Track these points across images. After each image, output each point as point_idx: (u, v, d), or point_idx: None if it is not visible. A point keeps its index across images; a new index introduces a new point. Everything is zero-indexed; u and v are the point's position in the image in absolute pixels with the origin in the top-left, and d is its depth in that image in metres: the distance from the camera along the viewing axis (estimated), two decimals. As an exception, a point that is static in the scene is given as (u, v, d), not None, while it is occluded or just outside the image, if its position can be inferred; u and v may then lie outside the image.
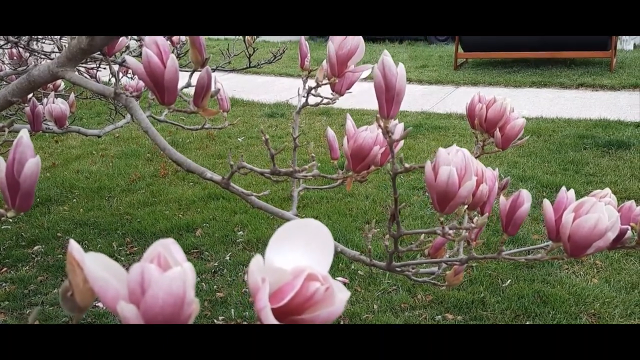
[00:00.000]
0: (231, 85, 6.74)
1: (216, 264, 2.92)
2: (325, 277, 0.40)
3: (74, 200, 3.89)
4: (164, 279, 0.36)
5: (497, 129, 1.15)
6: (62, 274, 2.91)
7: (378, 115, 0.65)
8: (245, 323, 2.43)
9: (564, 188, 0.76)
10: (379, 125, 0.67)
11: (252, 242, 3.14)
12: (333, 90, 1.09)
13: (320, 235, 0.44)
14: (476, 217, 0.87)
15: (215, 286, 2.72)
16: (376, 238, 2.41)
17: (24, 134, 0.50)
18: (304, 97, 1.11)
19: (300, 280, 0.39)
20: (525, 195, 0.80)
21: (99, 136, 2.28)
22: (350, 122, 0.91)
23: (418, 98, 6.23)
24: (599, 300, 2.46)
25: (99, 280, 0.36)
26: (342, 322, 2.38)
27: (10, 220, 3.55)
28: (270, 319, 0.37)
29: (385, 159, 0.91)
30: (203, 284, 2.74)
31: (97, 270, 0.36)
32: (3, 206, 0.54)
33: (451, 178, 0.61)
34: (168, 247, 0.38)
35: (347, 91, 1.11)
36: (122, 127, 2.43)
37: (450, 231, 0.72)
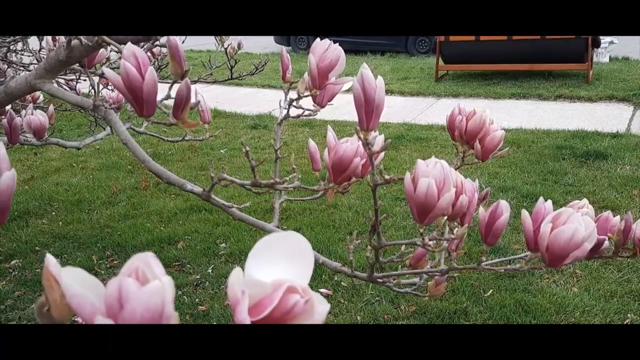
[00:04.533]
0: (214, 96, 6.73)
1: (198, 276, 2.90)
2: (305, 290, 0.40)
3: (53, 213, 3.83)
4: (141, 293, 0.35)
5: (477, 141, 1.17)
6: (40, 289, 2.85)
7: (358, 128, 0.66)
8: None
9: (541, 199, 0.77)
10: (359, 138, 0.67)
11: (235, 254, 3.12)
12: (315, 102, 1.09)
13: (300, 247, 0.44)
14: (457, 228, 0.88)
15: (197, 299, 2.69)
16: (359, 249, 2.41)
17: (0, 146, 0.49)
18: (285, 109, 1.11)
19: (280, 293, 0.39)
20: (504, 206, 0.81)
21: (79, 148, 2.25)
22: (331, 134, 0.91)
23: (400, 110, 6.28)
24: (579, 309, 2.49)
25: (76, 296, 0.36)
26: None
27: (-13, 234, 3.48)
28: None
29: (366, 170, 0.91)
30: (185, 297, 2.72)
31: (73, 285, 0.36)
32: (-22, 220, 0.52)
33: (430, 190, 0.62)
34: (147, 261, 0.38)
35: (329, 103, 1.12)
36: (102, 139, 2.41)
37: (430, 242, 0.73)
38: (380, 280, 0.94)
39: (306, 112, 1.10)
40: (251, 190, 0.91)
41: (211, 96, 6.56)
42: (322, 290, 2.63)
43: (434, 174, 0.63)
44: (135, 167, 4.69)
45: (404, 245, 0.88)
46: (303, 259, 0.44)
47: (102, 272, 2.99)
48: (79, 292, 0.36)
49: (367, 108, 0.64)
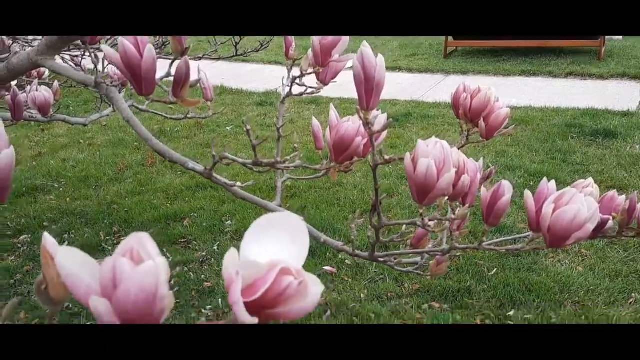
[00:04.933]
0: (219, 73, 6.68)
1: (204, 253, 2.92)
2: (299, 271, 0.40)
3: (61, 189, 3.86)
4: (136, 274, 0.35)
5: (482, 119, 1.16)
6: (48, 264, 2.89)
7: (358, 107, 0.65)
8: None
9: (545, 179, 0.76)
10: (360, 117, 0.66)
11: (241, 231, 3.14)
12: (318, 80, 1.08)
13: (296, 228, 0.44)
14: (459, 208, 0.88)
15: (203, 276, 2.72)
16: (363, 228, 2.41)
17: (-2, 125, 0.49)
18: (288, 86, 1.11)
19: (274, 275, 0.39)
20: (506, 187, 0.80)
21: (85, 125, 2.25)
22: (333, 113, 0.90)
23: (408, 87, 6.22)
24: (584, 288, 2.49)
25: (71, 275, 0.36)
26: (329, 311, 2.39)
27: (-4, 209, 3.52)
28: (242, 313, 0.37)
29: (368, 150, 0.91)
30: (191, 273, 2.74)
31: (68, 265, 0.36)
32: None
33: (429, 170, 0.61)
34: (141, 241, 0.38)
35: (332, 81, 1.11)
36: (108, 115, 2.41)
37: (430, 222, 0.72)
38: (382, 260, 0.94)
39: (309, 90, 1.09)
40: (252, 169, 0.91)
41: (217, 73, 6.51)
42: (327, 267, 2.65)
43: (433, 154, 0.62)
44: (141, 144, 4.69)
45: (405, 225, 0.88)
46: (298, 239, 0.44)
47: (110, 248, 3.02)
48: (74, 271, 0.36)
49: (367, 86, 0.63)
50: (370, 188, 3.57)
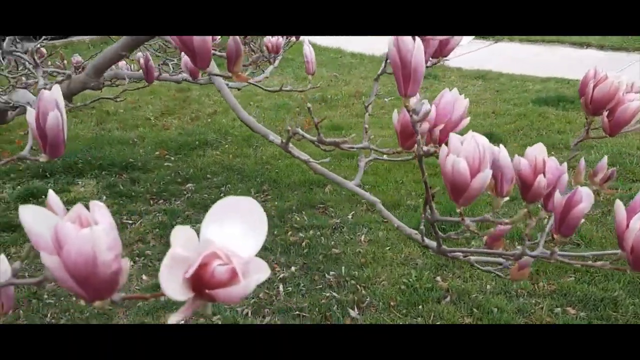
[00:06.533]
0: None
1: (338, 220, 3.01)
2: (230, 257, 0.40)
3: (227, 145, 4.25)
4: (74, 239, 0.39)
5: (606, 111, 1.01)
6: (204, 211, 3.23)
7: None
8: (352, 282, 2.49)
9: None
10: (404, 105, 0.62)
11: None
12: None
13: (255, 215, 0.44)
14: (541, 212, 0.80)
15: (332, 242, 2.81)
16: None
17: (47, 91, 0.57)
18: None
19: (200, 258, 0.40)
20: (584, 194, 0.69)
21: (239, 89, 2.44)
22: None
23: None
24: None
25: (33, 233, 0.41)
26: (449, 297, 2.32)
27: (172, 159, 4.01)
28: (167, 286, 0.39)
29: (445, 136, 0.85)
30: (322, 238, 2.85)
31: (32, 223, 0.41)
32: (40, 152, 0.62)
33: (455, 168, 0.56)
34: (93, 208, 0.41)
35: (444, 58, 1.05)
36: (260, 81, 2.57)
37: (471, 224, 0.66)
38: (450, 254, 0.89)
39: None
40: (319, 147, 0.91)
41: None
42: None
43: (466, 151, 0.56)
44: (302, 110, 4.93)
45: (469, 221, 0.81)
46: (257, 226, 0.44)
47: (256, 204, 3.27)
48: (36, 229, 0.41)
49: (404, 72, 0.59)
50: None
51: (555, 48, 6.48)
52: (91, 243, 0.39)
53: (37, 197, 3.43)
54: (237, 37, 0.68)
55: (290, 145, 1.00)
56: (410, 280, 2.46)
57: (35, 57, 1.07)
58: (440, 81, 5.69)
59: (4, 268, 0.54)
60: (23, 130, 4.48)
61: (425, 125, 0.81)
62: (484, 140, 0.57)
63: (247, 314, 2.32)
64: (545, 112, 4.45)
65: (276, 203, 3.26)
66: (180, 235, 0.42)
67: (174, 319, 0.41)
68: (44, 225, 0.41)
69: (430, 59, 1.10)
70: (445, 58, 1.10)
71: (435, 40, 0.98)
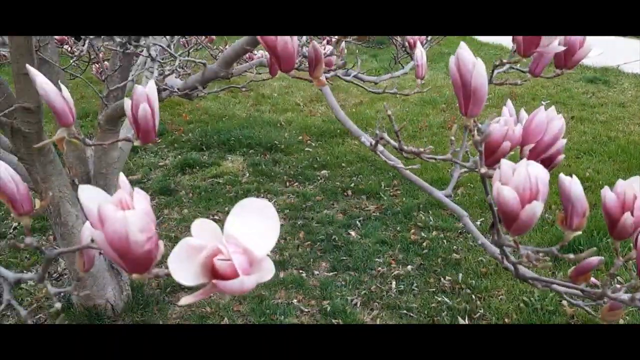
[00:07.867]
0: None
1: (462, 225, 2.90)
2: (229, 253, 0.44)
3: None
4: (112, 219, 0.46)
5: None
6: (335, 200, 3.34)
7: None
8: (468, 291, 2.41)
9: None
10: (464, 125, 0.61)
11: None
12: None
13: (270, 216, 0.47)
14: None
15: (454, 246, 2.73)
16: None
17: (140, 86, 0.66)
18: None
19: (206, 252, 0.44)
20: (673, 240, 0.61)
21: (375, 83, 2.47)
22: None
23: None
24: None
25: (86, 210, 0.49)
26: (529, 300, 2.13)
27: (313, 144, 4.18)
28: (175, 271, 0.44)
29: (535, 156, 0.80)
30: (444, 240, 2.78)
31: (87, 202, 0.49)
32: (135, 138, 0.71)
33: (502, 197, 0.53)
34: (135, 195, 0.48)
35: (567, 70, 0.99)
36: (399, 76, 2.58)
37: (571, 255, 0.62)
38: (530, 281, 0.84)
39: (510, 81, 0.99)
40: (401, 154, 0.91)
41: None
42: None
43: (516, 180, 0.53)
44: (448, 106, 4.80)
45: (524, 250, 0.75)
46: (270, 227, 0.48)
47: (385, 197, 3.29)
48: (90, 207, 0.49)
49: (465, 92, 0.57)
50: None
51: None
52: (124, 224, 0.46)
53: (192, 167, 3.82)
54: (316, 44, 0.71)
55: (381, 148, 1.01)
56: (532, 299, 2.31)
57: (151, 52, 1.22)
58: (610, 87, 5.14)
59: (86, 234, 0.64)
60: (186, 108, 5.01)
61: (507, 144, 0.77)
62: (538, 170, 0.53)
63: (356, 304, 2.37)
64: None
65: (404, 199, 3.25)
66: (201, 227, 0.47)
67: (184, 301, 0.46)
68: (95, 204, 0.49)
69: (555, 70, 1.04)
70: (569, 70, 1.04)
71: (550, 53, 0.92)
